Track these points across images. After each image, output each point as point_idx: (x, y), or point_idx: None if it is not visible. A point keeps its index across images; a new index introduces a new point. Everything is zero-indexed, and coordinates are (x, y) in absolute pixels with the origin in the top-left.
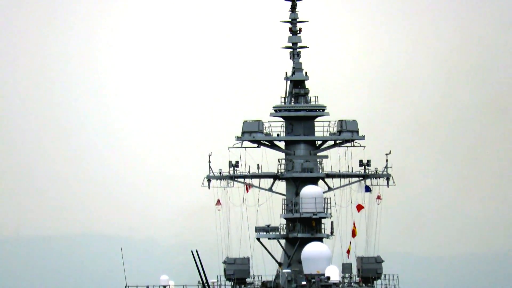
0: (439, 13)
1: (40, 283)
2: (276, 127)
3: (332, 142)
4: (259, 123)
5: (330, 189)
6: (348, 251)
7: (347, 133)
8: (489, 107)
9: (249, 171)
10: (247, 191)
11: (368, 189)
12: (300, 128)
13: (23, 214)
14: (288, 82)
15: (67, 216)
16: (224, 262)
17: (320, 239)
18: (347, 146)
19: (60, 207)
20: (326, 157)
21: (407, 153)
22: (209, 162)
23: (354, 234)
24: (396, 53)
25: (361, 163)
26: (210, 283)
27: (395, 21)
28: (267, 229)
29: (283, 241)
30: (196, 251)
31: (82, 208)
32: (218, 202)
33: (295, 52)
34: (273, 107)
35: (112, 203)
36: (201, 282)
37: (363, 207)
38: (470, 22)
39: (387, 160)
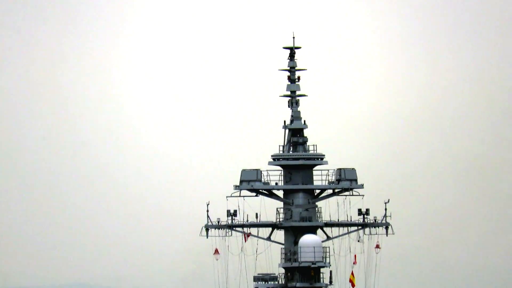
0: (439, 60)
1: None
2: (274, 175)
3: (330, 191)
4: (258, 171)
5: (328, 238)
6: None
7: (346, 181)
8: (488, 155)
9: (247, 220)
10: (246, 240)
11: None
12: (298, 177)
13: (11, 264)
14: (287, 130)
15: (59, 266)
16: None
17: None
18: (346, 195)
19: (56, 257)
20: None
21: (406, 201)
22: (207, 211)
23: (352, 284)
24: (395, 102)
25: (360, 212)
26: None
27: (394, 71)
28: (266, 278)
29: None
30: None
31: (77, 258)
32: (216, 251)
33: (293, 100)
34: (272, 156)
35: (108, 253)
36: None
37: (354, 285)
38: (468, 74)
39: (386, 209)
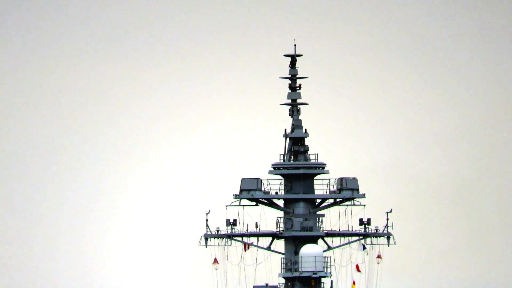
0: (442, 67)
1: None
2: (275, 185)
3: (332, 201)
4: (258, 181)
5: (329, 248)
6: None
7: (347, 191)
8: (488, 163)
9: (247, 230)
10: (245, 250)
11: (363, 247)
12: (299, 186)
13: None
14: (287, 139)
15: (53, 277)
16: None
17: None
18: (347, 205)
19: (47, 268)
20: (323, 215)
21: (408, 211)
22: (207, 220)
23: None
24: (397, 110)
25: (361, 222)
26: None
27: (396, 77)
28: None
29: None
30: None
31: (72, 268)
32: (216, 261)
33: (294, 109)
34: (272, 165)
35: (105, 261)
36: None
37: (359, 271)
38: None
39: (387, 219)
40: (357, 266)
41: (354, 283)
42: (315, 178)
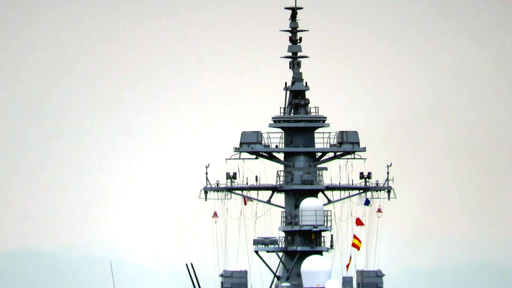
0: (444, 25)
1: None
2: (275, 138)
3: (332, 154)
4: (258, 134)
5: (330, 201)
6: (347, 266)
7: (347, 145)
8: (491, 117)
9: (247, 183)
10: (245, 204)
11: (367, 202)
12: (299, 140)
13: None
14: (288, 92)
15: (50, 233)
16: (221, 276)
17: (320, 253)
18: (347, 158)
19: (47, 221)
20: (325, 169)
21: (409, 165)
22: (206, 173)
23: (357, 247)
24: (399, 64)
25: (361, 176)
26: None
27: (398, 31)
28: (266, 242)
29: (281, 254)
30: (191, 264)
31: (73, 222)
32: (215, 214)
33: (295, 62)
34: (272, 118)
35: (106, 216)
36: None
37: (362, 224)
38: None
39: (388, 173)
40: (357, 220)
41: (355, 236)
42: (315, 131)
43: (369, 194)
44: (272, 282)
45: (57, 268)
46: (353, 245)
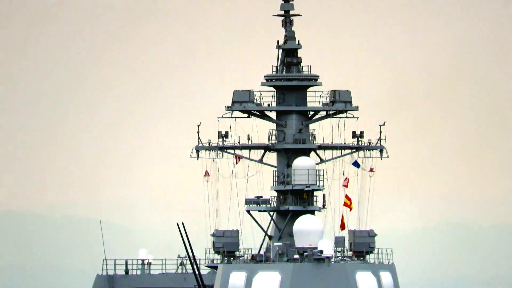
0: None
1: (21, 257)
2: (267, 97)
3: (324, 113)
4: (250, 92)
5: (322, 161)
6: (342, 225)
7: (340, 103)
8: (483, 76)
9: (239, 142)
10: (237, 163)
11: (357, 164)
12: (292, 98)
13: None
14: (280, 51)
15: (47, 191)
16: (213, 235)
17: (312, 212)
18: (340, 117)
19: (38, 182)
20: (317, 125)
21: (401, 124)
22: (198, 132)
23: (350, 207)
24: (392, 22)
25: (354, 135)
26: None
27: None
28: (258, 201)
29: (273, 214)
30: (182, 223)
31: (67, 181)
32: (207, 173)
33: (287, 20)
34: (265, 77)
35: (99, 174)
36: (187, 255)
37: (346, 186)
38: None
39: (380, 132)
40: (346, 180)
41: (346, 196)
42: (307, 90)
43: (361, 153)
44: (263, 240)
45: (41, 229)
46: (345, 204)
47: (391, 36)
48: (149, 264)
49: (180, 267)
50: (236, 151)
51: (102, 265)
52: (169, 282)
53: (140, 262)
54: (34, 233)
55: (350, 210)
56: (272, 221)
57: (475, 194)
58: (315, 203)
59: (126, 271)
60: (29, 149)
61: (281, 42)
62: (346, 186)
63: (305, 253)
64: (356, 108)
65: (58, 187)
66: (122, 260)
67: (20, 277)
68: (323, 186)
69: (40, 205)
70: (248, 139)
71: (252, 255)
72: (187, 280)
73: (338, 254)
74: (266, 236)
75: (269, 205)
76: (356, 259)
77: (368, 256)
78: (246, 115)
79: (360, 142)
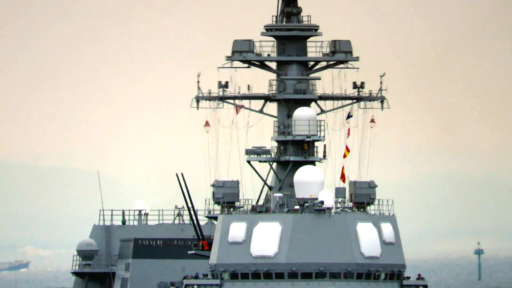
0: None
1: (19, 208)
2: (267, 47)
3: (325, 63)
4: (250, 42)
5: (322, 111)
6: (343, 176)
7: (340, 54)
8: (481, 28)
9: (239, 92)
10: (237, 113)
11: (349, 116)
12: (292, 49)
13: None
14: (280, 0)
15: (46, 142)
16: (213, 186)
17: (312, 163)
18: (340, 68)
19: (41, 132)
20: (319, 78)
21: (402, 75)
22: (198, 82)
23: (345, 155)
24: None
25: (355, 85)
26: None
27: None
28: (258, 152)
29: (273, 164)
30: (182, 174)
31: (66, 131)
32: (207, 123)
33: None
34: (264, 27)
35: (98, 125)
36: (186, 206)
37: (349, 135)
38: None
39: (381, 82)
40: (348, 131)
41: (347, 148)
42: (308, 40)
43: (362, 104)
44: (261, 190)
45: (38, 180)
46: (345, 156)
47: None
48: (146, 214)
49: (177, 218)
50: (237, 101)
51: (99, 216)
52: (166, 233)
53: (137, 212)
54: (30, 184)
55: (344, 157)
56: (272, 172)
57: (475, 146)
58: (315, 153)
59: (123, 222)
60: (31, 101)
61: None
62: (349, 130)
63: (306, 204)
64: (357, 59)
65: (58, 137)
66: (119, 211)
67: (18, 227)
68: (324, 136)
69: (38, 157)
70: (248, 89)
71: (252, 206)
72: (184, 231)
73: (339, 205)
74: (266, 187)
75: (269, 156)
76: (356, 210)
77: (368, 207)
78: (246, 65)
79: (361, 93)
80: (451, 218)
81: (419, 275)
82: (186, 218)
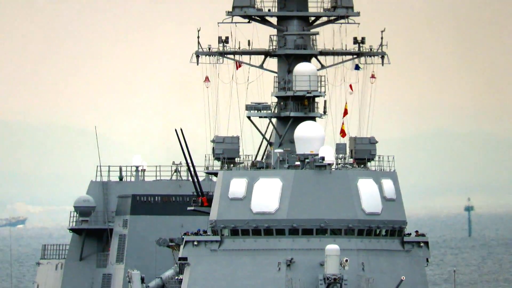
0: None
1: (16, 164)
2: (268, 2)
3: (325, 19)
4: None
5: (323, 67)
6: (343, 132)
7: (341, 9)
8: None
9: (239, 47)
10: (237, 68)
11: (357, 67)
12: (293, 4)
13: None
14: None
15: (45, 101)
16: (213, 141)
17: (313, 118)
18: (341, 23)
19: (38, 93)
20: (317, 33)
21: (403, 31)
22: (198, 37)
23: (345, 112)
24: None
25: (355, 41)
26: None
27: None
28: (259, 107)
29: (273, 120)
30: (181, 129)
31: (63, 88)
32: (207, 79)
33: None
34: None
35: (96, 80)
36: (185, 162)
37: (351, 90)
38: None
39: (382, 38)
40: (350, 86)
41: (346, 110)
42: None
43: (362, 59)
44: (260, 146)
45: (35, 137)
46: (345, 114)
47: None
48: (143, 170)
49: (174, 173)
50: (237, 57)
51: (96, 172)
52: (164, 189)
53: (134, 168)
54: (28, 142)
55: (344, 116)
56: (273, 127)
57: (475, 103)
58: (316, 109)
59: (120, 178)
60: (31, 61)
61: None
62: (351, 89)
63: (306, 160)
64: (358, 14)
65: (54, 94)
66: (116, 167)
67: (16, 184)
68: (324, 92)
69: (34, 114)
70: (249, 44)
71: (252, 162)
72: (182, 187)
73: (339, 161)
74: (265, 142)
75: (269, 111)
76: (357, 166)
77: (369, 163)
78: (246, 20)
79: (361, 48)
80: (452, 173)
81: (416, 231)
82: (184, 174)
